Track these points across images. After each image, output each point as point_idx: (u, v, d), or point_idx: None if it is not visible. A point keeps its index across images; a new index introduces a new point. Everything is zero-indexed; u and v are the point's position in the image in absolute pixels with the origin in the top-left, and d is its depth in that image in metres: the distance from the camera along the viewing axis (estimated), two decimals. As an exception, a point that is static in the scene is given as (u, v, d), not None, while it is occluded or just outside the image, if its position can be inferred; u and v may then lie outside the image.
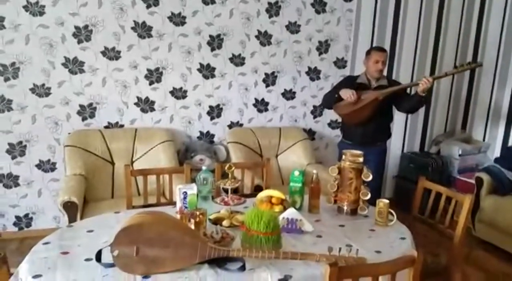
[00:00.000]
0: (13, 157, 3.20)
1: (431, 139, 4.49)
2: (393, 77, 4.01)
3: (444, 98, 4.46)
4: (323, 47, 3.89)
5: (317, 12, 3.79)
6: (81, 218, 2.66)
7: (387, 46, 3.97)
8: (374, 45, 3.91)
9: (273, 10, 3.66)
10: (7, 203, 3.25)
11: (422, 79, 2.79)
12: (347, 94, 2.88)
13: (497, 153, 4.04)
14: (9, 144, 3.17)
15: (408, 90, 3.28)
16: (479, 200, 3.41)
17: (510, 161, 3.57)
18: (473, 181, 3.54)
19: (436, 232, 2.31)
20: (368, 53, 3.06)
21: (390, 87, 2.96)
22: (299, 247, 1.71)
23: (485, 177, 3.42)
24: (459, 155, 4.04)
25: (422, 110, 4.35)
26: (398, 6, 4.01)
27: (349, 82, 3.12)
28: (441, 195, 2.31)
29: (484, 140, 4.23)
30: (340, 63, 3.97)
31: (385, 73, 3.24)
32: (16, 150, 3.19)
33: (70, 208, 2.64)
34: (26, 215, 3.32)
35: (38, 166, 3.27)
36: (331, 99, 3.04)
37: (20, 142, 3.19)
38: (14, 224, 3.30)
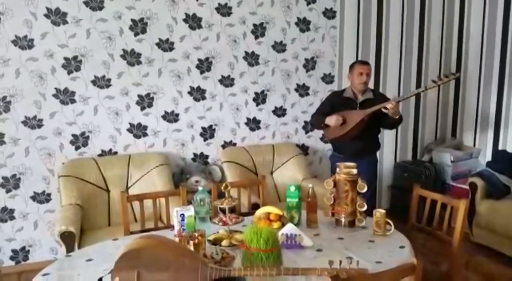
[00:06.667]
0: (8, 191, 3.18)
1: (423, 147, 4.55)
2: (380, 90, 4.09)
3: (433, 106, 4.55)
4: (310, 64, 3.96)
5: (302, 30, 3.88)
6: (79, 247, 2.63)
7: (372, 60, 4.07)
8: (359, 59, 3.99)
9: (258, 31, 3.74)
10: (2, 237, 3.21)
11: (388, 103, 2.81)
12: (332, 121, 2.96)
13: (488, 157, 4.10)
14: (3, 177, 3.15)
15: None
16: (475, 205, 3.43)
17: (501, 164, 3.62)
18: (467, 186, 3.57)
19: (435, 239, 2.32)
20: (351, 67, 3.12)
21: (376, 99, 3.03)
22: (299, 262, 1.72)
23: (478, 181, 3.46)
24: (452, 162, 4.09)
25: (411, 119, 4.44)
26: (380, 20, 4.12)
27: (335, 98, 3.18)
28: (437, 203, 2.33)
29: (474, 145, 4.29)
30: (327, 79, 4.04)
31: (372, 86, 3.32)
32: (10, 183, 3.18)
33: (67, 238, 2.61)
34: (23, 248, 3.27)
35: (33, 198, 3.25)
36: (318, 125, 3.16)
37: (14, 175, 3.18)
38: (11, 258, 3.25)
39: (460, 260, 2.28)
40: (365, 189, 2.13)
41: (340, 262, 1.54)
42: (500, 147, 4.01)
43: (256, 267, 1.53)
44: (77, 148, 3.32)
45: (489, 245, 3.37)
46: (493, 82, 4.05)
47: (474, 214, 3.43)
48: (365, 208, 2.13)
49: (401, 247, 1.91)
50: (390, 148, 4.37)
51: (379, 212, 2.04)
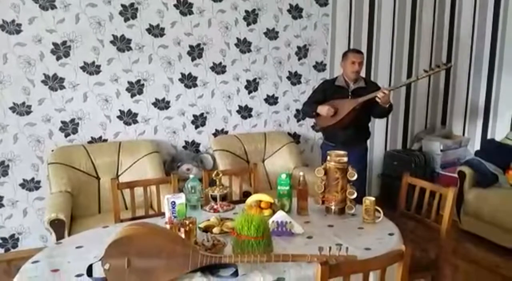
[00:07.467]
0: (-4, 178, 3.15)
1: (413, 136, 4.58)
2: (372, 78, 4.09)
3: (423, 96, 4.57)
4: (302, 52, 3.94)
5: (294, 18, 3.85)
6: (69, 235, 2.62)
7: (363, 48, 4.06)
8: (351, 47, 3.99)
9: (250, 18, 3.70)
10: (-9, 225, 3.19)
11: (379, 92, 2.83)
12: (324, 111, 3.00)
13: (477, 146, 4.15)
14: (-9, 164, 3.12)
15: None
16: (463, 193, 3.48)
17: (490, 153, 3.66)
18: (456, 175, 3.61)
19: (423, 227, 2.35)
20: (344, 55, 3.12)
21: (367, 88, 3.03)
22: (290, 249, 1.72)
23: (467, 170, 3.50)
24: (441, 150, 4.13)
25: (402, 109, 4.46)
26: (372, 9, 4.10)
27: (327, 86, 3.19)
28: (426, 190, 2.36)
29: (464, 134, 4.33)
30: (319, 67, 4.03)
31: (363, 74, 3.31)
32: (-1, 170, 3.15)
33: (57, 226, 2.60)
34: (12, 236, 3.25)
35: (22, 185, 3.22)
36: (310, 114, 3.18)
37: (3, 162, 3.14)
38: (0, 245, 3.23)
39: (448, 247, 2.31)
40: (355, 177, 2.14)
41: (330, 248, 1.56)
42: (489, 136, 4.05)
43: (246, 254, 1.54)
44: (66, 135, 3.29)
45: (476, 233, 3.43)
46: (483, 72, 4.07)
47: (462, 202, 3.48)
48: (355, 195, 2.14)
49: (390, 234, 1.93)
50: (380, 137, 4.39)
51: (369, 199, 2.06)
